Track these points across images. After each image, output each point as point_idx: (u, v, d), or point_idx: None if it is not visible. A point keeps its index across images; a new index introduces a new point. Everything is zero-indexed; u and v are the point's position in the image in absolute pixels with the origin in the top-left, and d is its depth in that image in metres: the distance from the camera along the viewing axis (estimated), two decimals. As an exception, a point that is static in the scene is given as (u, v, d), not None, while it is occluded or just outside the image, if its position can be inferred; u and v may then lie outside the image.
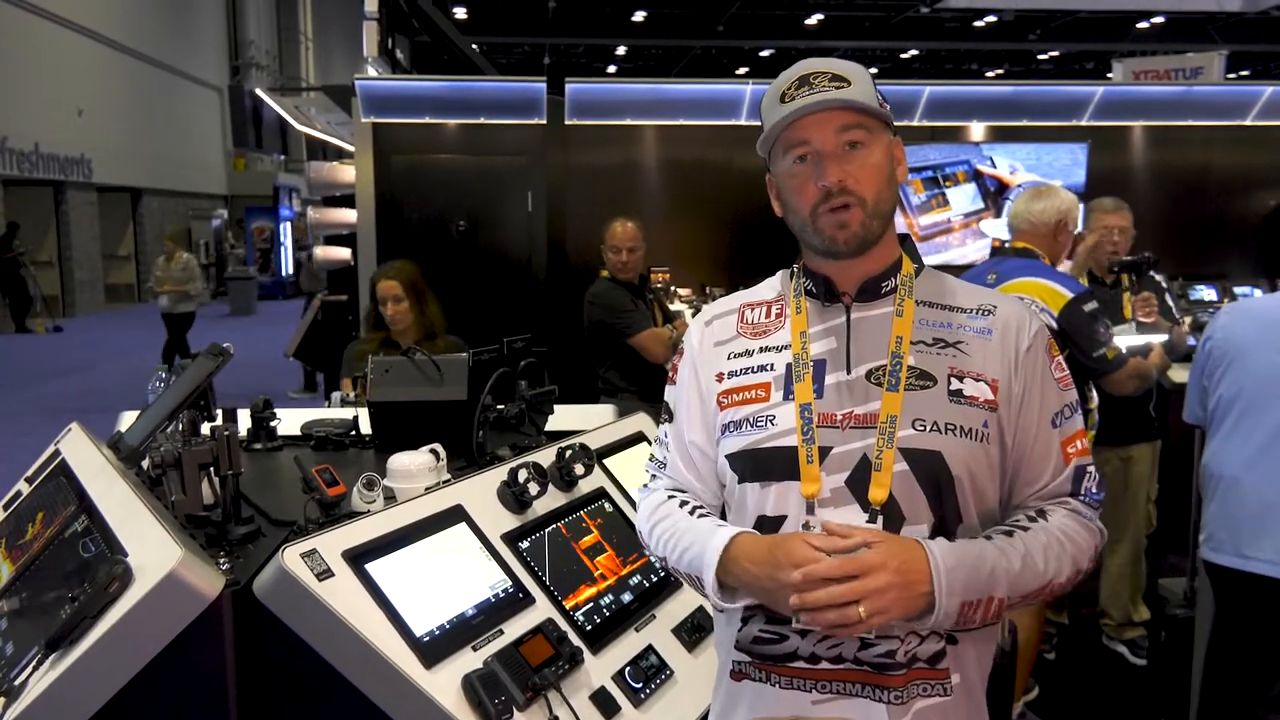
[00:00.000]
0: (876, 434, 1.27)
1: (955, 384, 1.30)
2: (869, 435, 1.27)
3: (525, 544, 1.85)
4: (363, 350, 3.42)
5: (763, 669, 1.33)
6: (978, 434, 1.28)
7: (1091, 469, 1.38)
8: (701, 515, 1.38)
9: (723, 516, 1.42)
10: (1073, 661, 3.83)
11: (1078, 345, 2.93)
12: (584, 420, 2.55)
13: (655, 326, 4.20)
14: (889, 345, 1.31)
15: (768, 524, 1.32)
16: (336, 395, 3.14)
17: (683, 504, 1.41)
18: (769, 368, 1.36)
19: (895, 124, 1.36)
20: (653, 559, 1.45)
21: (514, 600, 1.72)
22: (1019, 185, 6.29)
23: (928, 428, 1.27)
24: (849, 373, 1.31)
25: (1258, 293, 6.00)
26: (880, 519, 1.26)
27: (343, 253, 6.43)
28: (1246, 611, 2.52)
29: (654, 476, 1.50)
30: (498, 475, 1.95)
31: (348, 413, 2.64)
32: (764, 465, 1.32)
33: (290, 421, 2.59)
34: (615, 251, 4.22)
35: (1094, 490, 1.37)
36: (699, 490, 1.44)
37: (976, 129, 6.30)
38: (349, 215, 6.06)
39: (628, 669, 1.74)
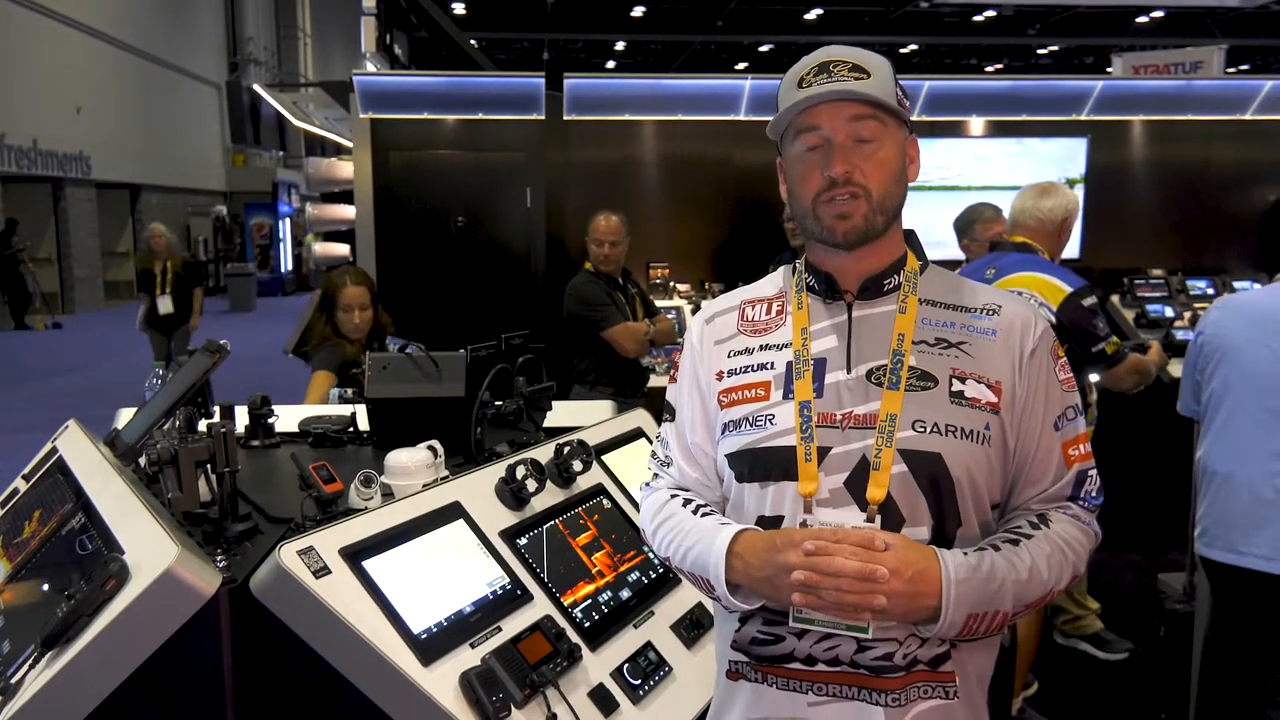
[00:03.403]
0: (876, 433, 1.26)
1: (957, 385, 1.28)
2: (869, 436, 1.26)
3: (523, 541, 1.85)
4: (351, 354, 3.37)
5: (759, 669, 1.33)
6: (979, 436, 1.27)
7: (1093, 472, 1.36)
8: (705, 514, 1.37)
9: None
10: (1073, 657, 3.84)
11: (1077, 340, 2.93)
12: (582, 416, 2.54)
13: (631, 321, 4.24)
14: (891, 343, 1.30)
15: (766, 524, 1.31)
16: (334, 393, 3.13)
17: (686, 503, 1.40)
18: (769, 366, 1.34)
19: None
20: (656, 559, 1.44)
21: (512, 597, 1.72)
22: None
23: (928, 429, 1.26)
24: (849, 372, 1.30)
25: (1256, 288, 6.00)
26: (878, 520, 1.24)
27: (341, 249, 6.43)
28: (1241, 606, 2.52)
29: (656, 476, 1.49)
30: (496, 472, 1.94)
31: (345, 409, 2.64)
32: (762, 465, 1.31)
33: (288, 418, 2.58)
34: (597, 244, 4.28)
35: (1093, 494, 1.36)
36: (703, 489, 1.43)
37: (976, 124, 6.29)
38: (347, 211, 6.05)
39: (626, 666, 1.73)
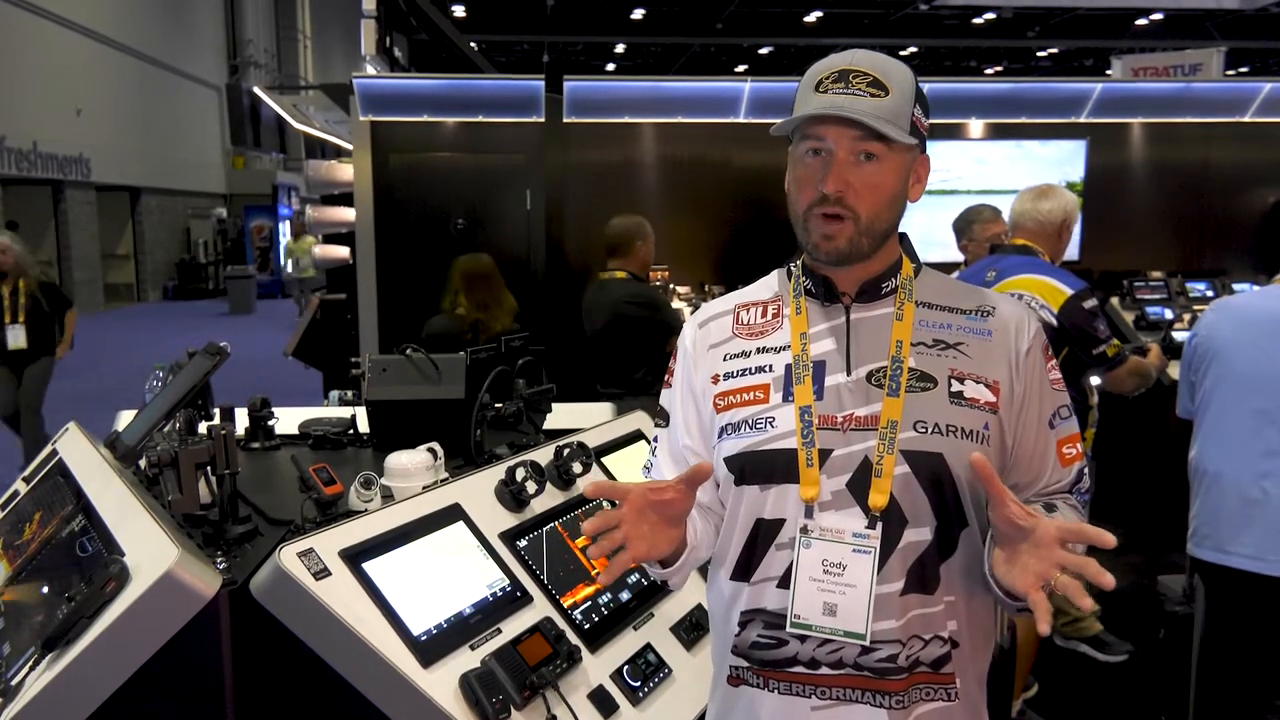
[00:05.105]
0: (877, 438, 1.26)
1: (956, 386, 1.29)
2: (870, 437, 1.27)
3: (523, 543, 1.85)
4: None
5: (761, 674, 1.32)
6: (978, 435, 1.28)
7: (1086, 470, 1.39)
8: None
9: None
10: (1073, 659, 3.83)
11: (1077, 342, 2.94)
12: (582, 418, 2.54)
13: None
14: (889, 348, 1.31)
15: (765, 527, 1.31)
16: (335, 394, 3.14)
17: None
18: (767, 369, 1.34)
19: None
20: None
21: (512, 599, 1.72)
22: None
23: (929, 429, 1.26)
24: (849, 374, 1.30)
25: (1255, 289, 5.99)
26: (880, 523, 1.25)
27: (341, 251, 6.42)
28: (1232, 606, 2.53)
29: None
30: (495, 474, 1.94)
31: (345, 411, 2.64)
32: (763, 467, 1.31)
33: (288, 420, 2.59)
34: (654, 243, 4.17)
35: (1083, 491, 1.39)
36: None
37: (975, 126, 6.29)
38: (347, 214, 6.05)
39: (626, 667, 1.73)
